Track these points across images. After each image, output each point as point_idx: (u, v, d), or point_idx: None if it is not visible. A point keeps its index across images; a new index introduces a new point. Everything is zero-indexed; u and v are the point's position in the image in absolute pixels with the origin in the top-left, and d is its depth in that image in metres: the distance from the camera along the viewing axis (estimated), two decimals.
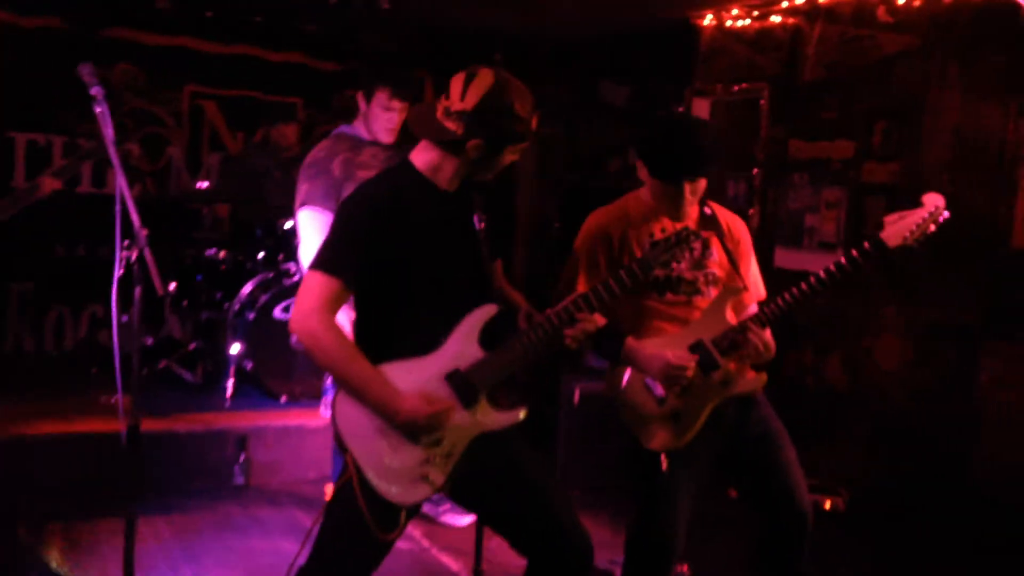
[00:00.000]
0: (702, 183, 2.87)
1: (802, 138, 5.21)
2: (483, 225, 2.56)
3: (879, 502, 4.56)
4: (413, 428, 2.39)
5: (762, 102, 5.48)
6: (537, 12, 6.12)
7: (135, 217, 2.49)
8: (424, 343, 2.48)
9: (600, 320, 2.54)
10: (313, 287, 2.38)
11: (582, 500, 4.84)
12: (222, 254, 5.68)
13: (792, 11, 5.33)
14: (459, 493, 2.59)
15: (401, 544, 4.09)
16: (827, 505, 4.56)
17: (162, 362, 5.60)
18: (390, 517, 2.42)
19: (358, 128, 3.97)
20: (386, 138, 3.90)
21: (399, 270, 2.45)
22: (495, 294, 2.64)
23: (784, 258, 5.29)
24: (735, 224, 3.06)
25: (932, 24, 4.49)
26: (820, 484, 4.49)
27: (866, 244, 2.70)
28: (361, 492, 2.37)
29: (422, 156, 2.52)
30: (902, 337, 4.62)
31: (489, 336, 2.52)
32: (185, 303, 5.73)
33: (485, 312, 2.52)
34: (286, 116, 6.09)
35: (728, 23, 5.79)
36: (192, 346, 5.65)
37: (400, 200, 2.45)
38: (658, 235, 2.90)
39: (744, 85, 5.67)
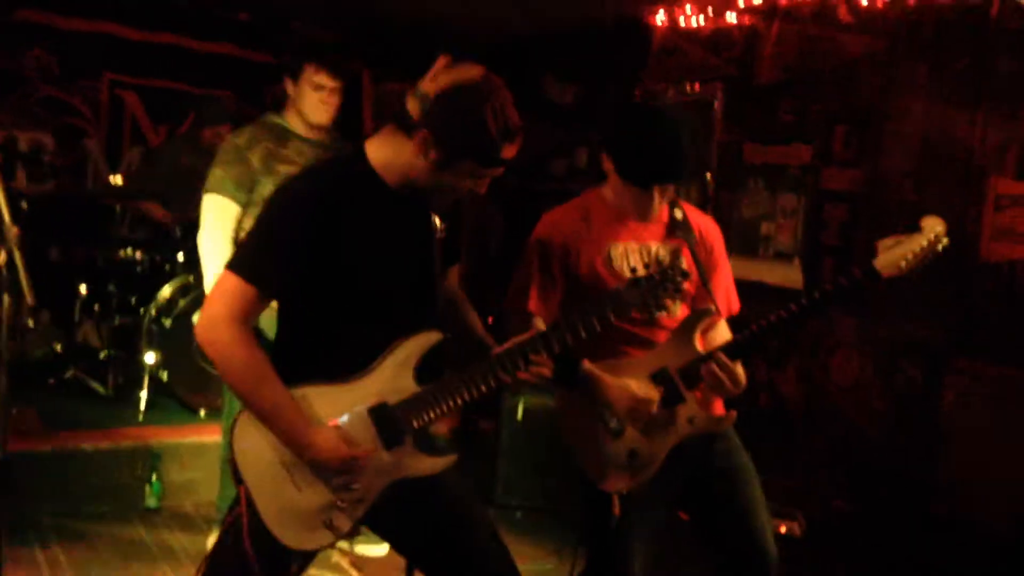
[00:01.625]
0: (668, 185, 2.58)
1: (758, 142, 4.97)
2: (443, 234, 2.23)
3: (837, 526, 4.32)
4: (324, 468, 2.08)
5: (716, 104, 5.24)
6: (481, 4, 5.81)
7: (5, 214, 2.12)
8: (351, 366, 2.15)
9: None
10: (226, 292, 2.06)
11: (523, 522, 4.58)
12: (138, 255, 5.27)
13: (749, 10, 5.09)
14: (375, 525, 2.31)
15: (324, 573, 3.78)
16: (782, 529, 4.31)
17: (70, 371, 5.17)
18: (280, 564, 2.12)
19: (288, 118, 3.61)
20: (319, 118, 3.51)
21: (333, 281, 2.12)
22: (446, 315, 2.31)
23: (738, 268, 5.01)
24: (708, 229, 2.76)
25: (897, 26, 4.27)
26: (775, 508, 4.24)
27: (856, 272, 2.43)
28: (249, 533, 2.07)
29: (377, 146, 2.18)
30: (861, 353, 4.39)
31: (427, 366, 2.19)
32: (97, 308, 5.31)
33: (426, 340, 2.19)
34: (221, 117, 5.65)
35: (681, 21, 5.54)
36: (103, 354, 5.22)
37: (342, 199, 2.11)
38: (622, 239, 2.60)
39: (697, 86, 5.42)
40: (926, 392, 4.11)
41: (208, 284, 3.48)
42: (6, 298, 2.08)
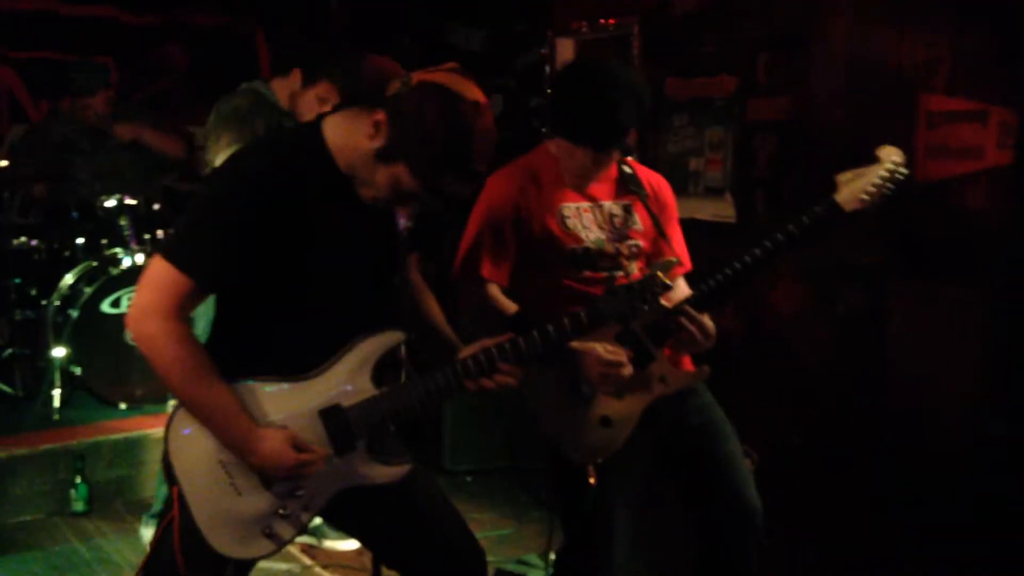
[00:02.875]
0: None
1: (680, 76, 4.84)
2: (408, 224, 2.01)
3: (787, 460, 4.30)
4: (268, 474, 1.91)
5: (633, 39, 5.08)
6: None
7: None
8: (301, 363, 1.97)
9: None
10: (159, 281, 1.87)
11: (474, 486, 4.47)
12: (34, 243, 4.90)
13: None
14: (335, 521, 2.21)
15: (278, 563, 3.59)
16: None
17: None
18: (214, 572, 1.96)
19: (276, 94, 3.45)
20: None
21: (281, 269, 1.92)
22: (405, 311, 2.12)
23: None
24: (659, 185, 2.64)
25: None
26: None
27: (818, 208, 2.34)
28: (181, 539, 1.92)
29: (336, 124, 1.96)
30: (802, 281, 4.34)
31: (385, 364, 2.01)
32: None
33: (387, 339, 2.02)
34: (92, 85, 5.22)
35: None
36: (7, 352, 4.86)
37: (294, 181, 1.89)
38: (574, 199, 2.46)
39: (612, 21, 5.24)
40: (870, 317, 4.09)
41: None
42: None
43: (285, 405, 1.95)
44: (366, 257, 2.02)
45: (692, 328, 2.35)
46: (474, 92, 1.87)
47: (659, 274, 2.05)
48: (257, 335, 1.99)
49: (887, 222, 3.93)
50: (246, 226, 1.86)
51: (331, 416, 1.96)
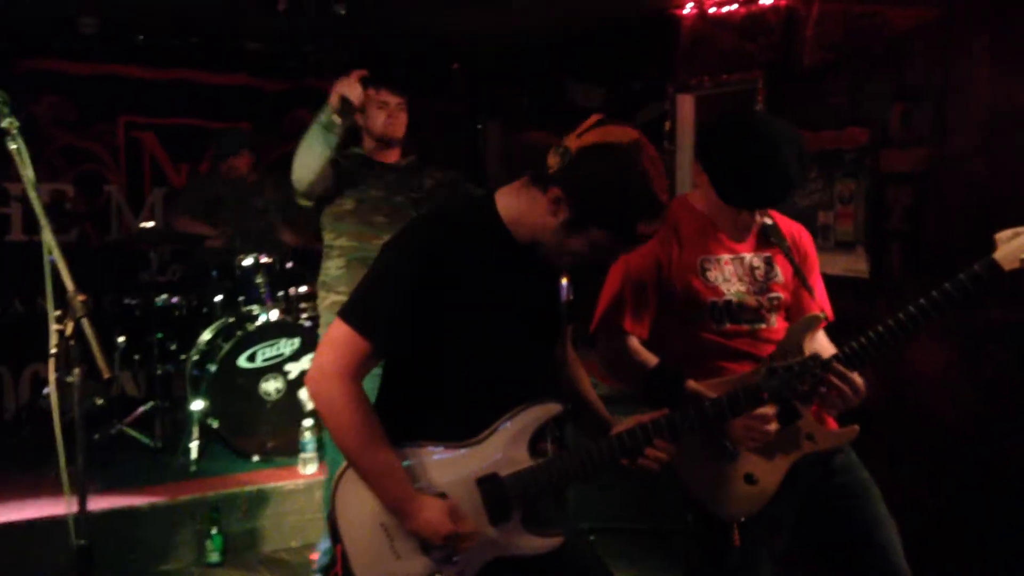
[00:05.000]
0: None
1: (807, 128, 4.76)
2: (571, 296, 2.06)
3: (929, 525, 4.11)
4: (426, 540, 1.95)
5: (757, 94, 5.04)
6: (500, 10, 5.63)
7: (68, 281, 1.93)
8: (463, 430, 2.01)
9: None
10: (337, 342, 1.93)
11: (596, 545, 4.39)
12: (175, 300, 5.11)
13: None
14: None
15: None
16: None
17: (115, 425, 5.00)
18: None
19: (365, 147, 3.68)
20: (392, 132, 3.61)
21: (451, 337, 1.96)
22: (563, 383, 2.16)
23: None
24: (800, 235, 2.59)
25: None
26: None
27: (977, 267, 2.25)
28: None
29: (509, 197, 2.01)
30: (945, 340, 4.17)
31: (538, 438, 2.04)
32: (137, 357, 5.16)
33: (546, 411, 2.04)
34: (234, 147, 5.51)
35: (711, 10, 5.35)
36: (148, 405, 5.05)
37: (465, 249, 1.94)
38: (715, 251, 2.44)
39: (734, 75, 5.22)
40: (1020, 378, 3.89)
41: None
42: (77, 372, 1.90)
43: (445, 472, 1.99)
44: (531, 327, 2.05)
45: (843, 386, 2.28)
46: (628, 133, 1.88)
47: (819, 357, 2.07)
48: (422, 400, 2.03)
49: None
50: (419, 292, 1.91)
51: (488, 485, 1.99)
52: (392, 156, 3.67)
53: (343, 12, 4.51)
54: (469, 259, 1.94)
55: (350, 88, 3.31)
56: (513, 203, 1.99)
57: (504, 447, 2.00)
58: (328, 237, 3.59)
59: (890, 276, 4.37)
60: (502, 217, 1.99)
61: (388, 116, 3.58)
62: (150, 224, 5.41)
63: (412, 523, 1.94)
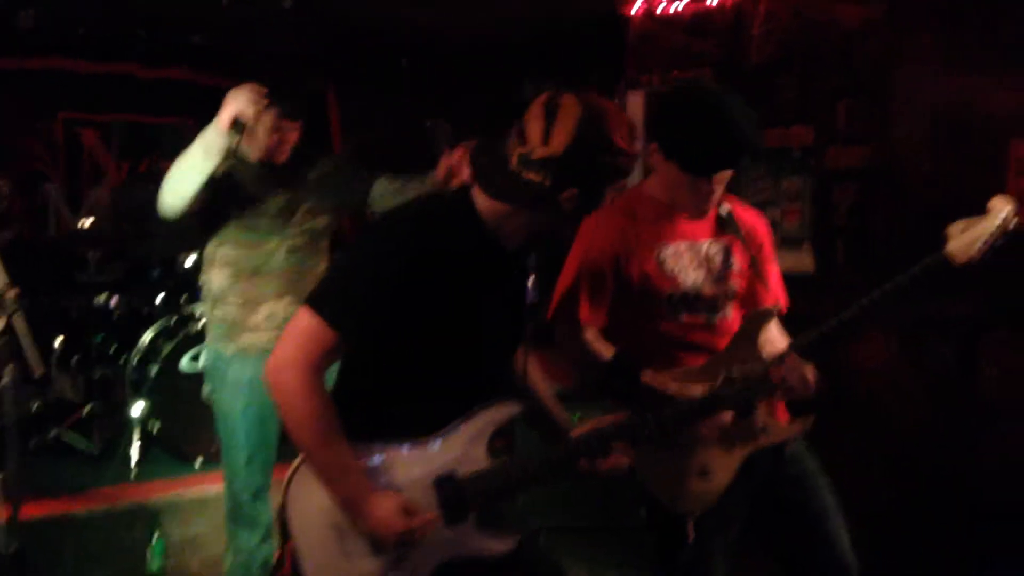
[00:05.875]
0: (728, 171, 2.38)
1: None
2: (535, 298, 2.03)
3: (877, 518, 4.14)
4: (378, 539, 1.89)
5: None
6: (452, 10, 5.59)
7: (1, 275, 1.84)
8: (421, 427, 1.96)
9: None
10: (304, 332, 1.86)
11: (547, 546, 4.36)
12: (114, 300, 4.98)
13: None
14: None
15: None
16: None
17: (52, 430, 4.84)
18: None
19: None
20: (278, 157, 3.15)
21: (417, 333, 1.91)
22: (521, 383, 2.13)
23: None
24: (757, 223, 2.57)
25: None
26: None
27: (929, 260, 2.24)
28: None
29: (488, 200, 1.95)
30: (888, 335, 4.21)
31: (496, 438, 2.00)
32: (75, 359, 5.01)
33: (506, 411, 2.00)
34: (175, 145, 5.37)
35: (659, 9, 5.35)
36: (87, 409, 4.92)
37: (449, 250, 1.89)
38: (672, 240, 2.42)
39: (683, 73, 5.23)
40: (961, 370, 3.93)
41: None
42: (10, 369, 1.81)
43: (401, 471, 1.94)
44: (497, 325, 2.02)
45: (794, 378, 2.27)
46: (569, 101, 1.84)
47: (774, 373, 2.14)
48: (381, 397, 1.98)
49: (974, 271, 3.80)
50: (395, 288, 1.85)
51: (445, 485, 1.94)
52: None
53: (288, 5, 4.42)
54: (446, 256, 1.89)
55: (246, 106, 2.88)
56: (494, 206, 1.93)
57: (462, 447, 1.96)
58: (209, 247, 3.24)
59: (836, 272, 4.41)
60: (484, 219, 1.94)
61: (279, 142, 3.12)
62: (88, 222, 5.27)
63: (366, 523, 1.88)
